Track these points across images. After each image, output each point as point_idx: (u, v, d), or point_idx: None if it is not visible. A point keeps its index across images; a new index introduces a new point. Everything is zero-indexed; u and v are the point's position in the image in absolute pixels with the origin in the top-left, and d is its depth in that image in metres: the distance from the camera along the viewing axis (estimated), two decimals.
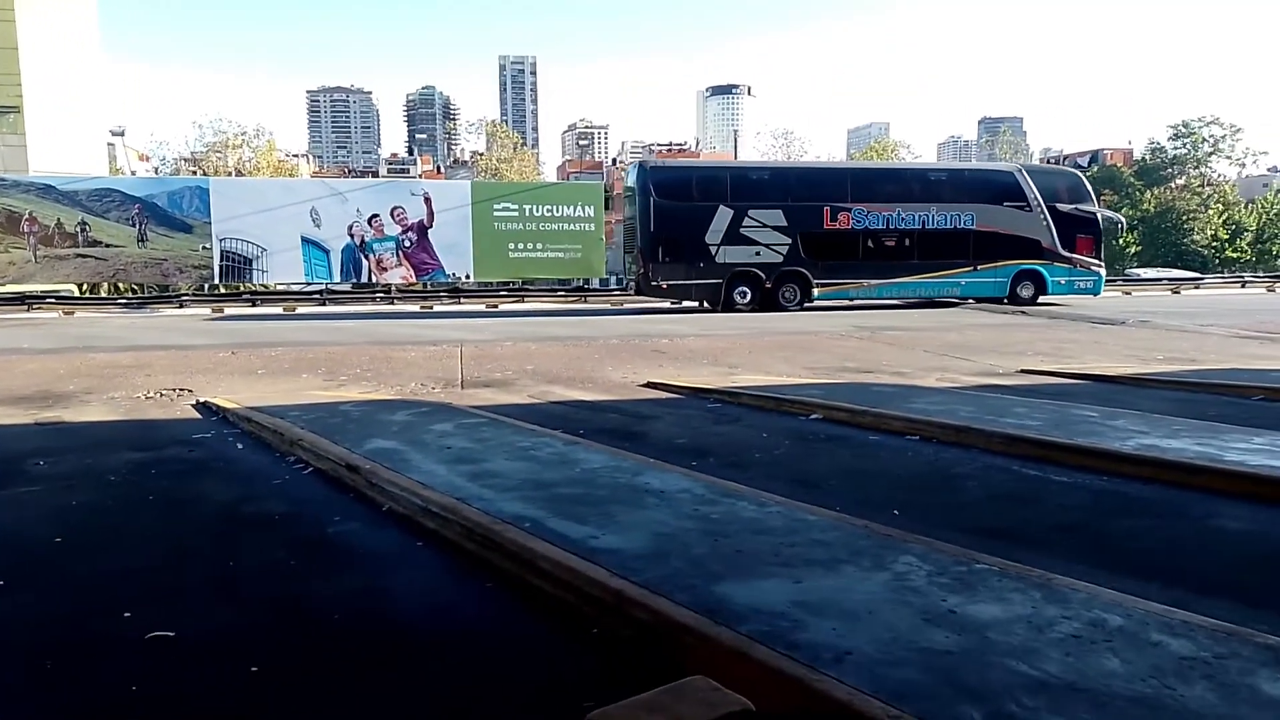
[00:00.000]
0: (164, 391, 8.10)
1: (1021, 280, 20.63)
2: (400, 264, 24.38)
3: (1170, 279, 32.16)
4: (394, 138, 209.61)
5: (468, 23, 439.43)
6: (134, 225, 22.90)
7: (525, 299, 26.02)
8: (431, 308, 24.05)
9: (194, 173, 45.10)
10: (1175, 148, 53.85)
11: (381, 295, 25.25)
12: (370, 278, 24.73)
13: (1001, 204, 20.58)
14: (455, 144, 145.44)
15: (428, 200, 24.38)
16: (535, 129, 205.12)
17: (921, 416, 6.06)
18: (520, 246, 25.04)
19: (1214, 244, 51.03)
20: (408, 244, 24.25)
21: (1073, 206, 20.85)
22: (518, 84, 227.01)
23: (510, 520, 3.63)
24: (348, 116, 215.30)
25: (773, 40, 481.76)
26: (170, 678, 2.57)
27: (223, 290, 26.02)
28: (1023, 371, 9.13)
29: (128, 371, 9.52)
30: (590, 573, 3.02)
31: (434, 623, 2.98)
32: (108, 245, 22.91)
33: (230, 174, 43.37)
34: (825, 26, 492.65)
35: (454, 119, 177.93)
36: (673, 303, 21.04)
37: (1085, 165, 55.44)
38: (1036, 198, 20.56)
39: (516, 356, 10.79)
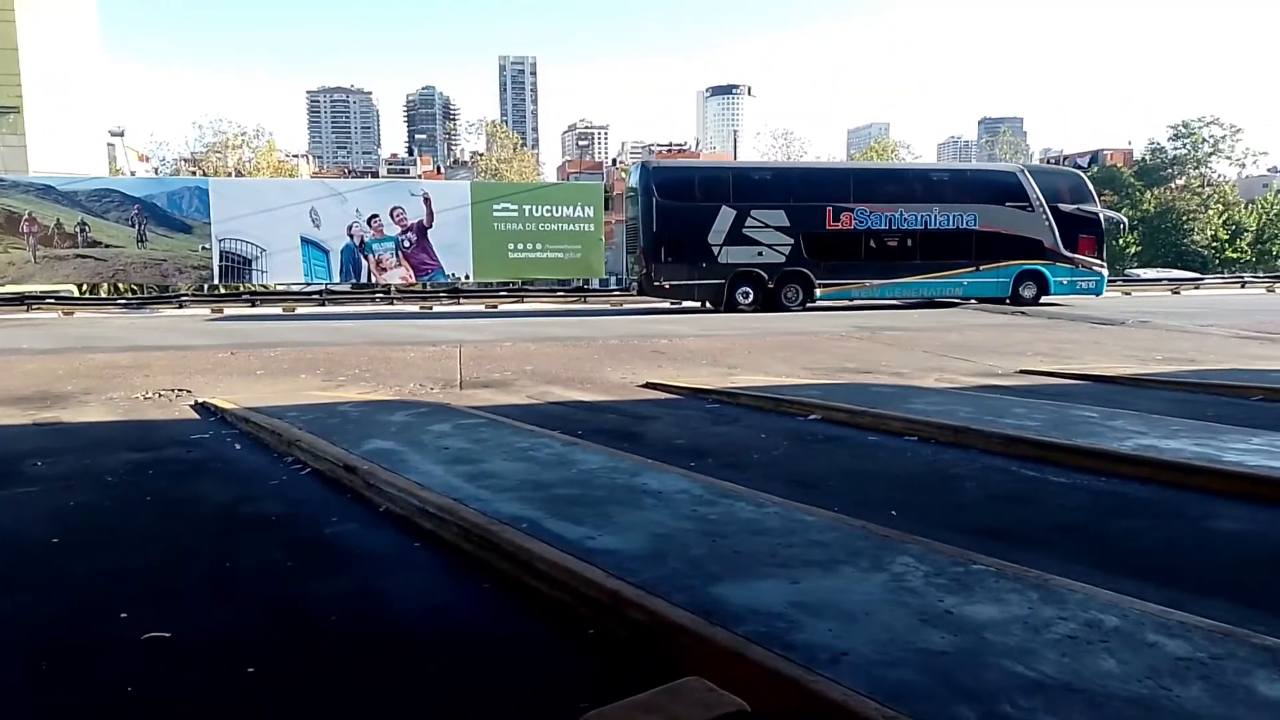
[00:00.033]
0: (162, 392, 8.09)
1: (1024, 280, 20.64)
2: (400, 264, 24.40)
3: (1170, 279, 32.18)
4: (394, 138, 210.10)
5: (468, 23, 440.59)
6: (133, 226, 22.93)
7: (525, 299, 26.03)
8: (431, 308, 24.05)
9: (194, 173, 45.14)
10: (1175, 148, 53.90)
11: (381, 296, 25.26)
12: (370, 278, 24.75)
13: (1004, 204, 20.58)
14: (455, 144, 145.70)
15: (427, 200, 24.40)
16: (535, 129, 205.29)
17: (920, 417, 6.05)
18: (520, 247, 25.07)
19: (1214, 244, 51.06)
20: (407, 244, 24.27)
21: (1075, 207, 20.86)
22: (518, 84, 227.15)
23: (507, 521, 3.63)
24: (348, 117, 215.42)
25: (773, 40, 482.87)
26: (167, 678, 2.56)
27: (222, 291, 26.03)
28: (1022, 372, 9.12)
29: (126, 372, 9.52)
30: (587, 573, 3.02)
31: (431, 623, 2.98)
32: (107, 246, 22.94)
33: (230, 174, 43.41)
34: (825, 26, 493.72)
35: (454, 119, 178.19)
36: (672, 303, 21.05)
37: (1085, 165, 55.37)
38: (1039, 198, 20.57)
39: (515, 357, 10.79)
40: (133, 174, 42.03)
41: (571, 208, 25.46)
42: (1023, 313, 18.34)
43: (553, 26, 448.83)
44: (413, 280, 25.20)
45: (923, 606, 2.70)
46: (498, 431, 5.81)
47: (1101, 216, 21.84)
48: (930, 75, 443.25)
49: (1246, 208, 52.98)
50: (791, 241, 19.84)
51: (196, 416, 6.96)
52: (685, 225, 19.62)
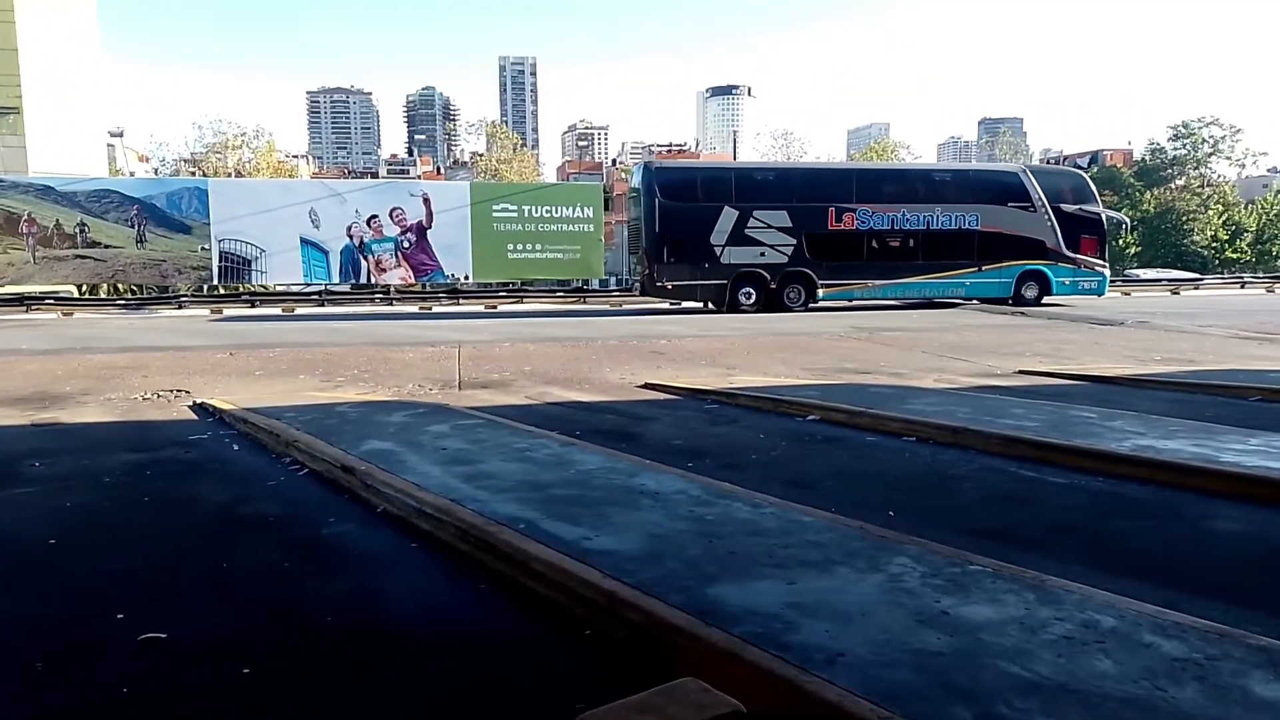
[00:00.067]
0: (161, 393, 8.10)
1: (1026, 281, 20.63)
2: (399, 265, 24.40)
3: (1170, 280, 32.19)
4: (394, 138, 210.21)
5: (468, 23, 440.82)
6: (133, 226, 22.93)
7: (524, 300, 26.02)
8: (430, 309, 24.05)
9: (193, 174, 45.12)
10: (1175, 148, 53.92)
11: (380, 296, 25.26)
12: (369, 279, 24.75)
13: (1006, 204, 20.57)
14: (455, 145, 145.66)
15: (427, 201, 24.40)
16: (535, 130, 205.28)
17: (918, 417, 6.05)
18: (519, 247, 25.06)
19: (1214, 245, 51.06)
20: (407, 245, 24.27)
21: (1077, 207, 20.85)
22: (518, 84, 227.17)
23: (504, 522, 3.63)
24: (347, 117, 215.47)
25: (773, 40, 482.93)
26: (164, 679, 2.57)
27: (222, 291, 26.04)
28: (1020, 372, 9.13)
29: (125, 373, 9.52)
30: (583, 574, 3.02)
31: (428, 624, 2.98)
32: (106, 246, 22.93)
33: (230, 175, 43.41)
34: (825, 27, 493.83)
35: (454, 120, 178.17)
36: (672, 303, 21.05)
37: (1085, 166, 55.29)
38: (1041, 198, 20.57)
39: (514, 357, 10.79)
40: (132, 174, 41.97)
41: (571, 208, 25.46)
42: (1022, 313, 18.34)
43: (552, 27, 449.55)
44: (412, 281, 25.19)
45: (919, 607, 2.70)
46: (496, 432, 5.81)
47: (1103, 217, 21.83)
48: (930, 75, 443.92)
49: (1246, 208, 52.98)
50: (794, 242, 19.83)
51: (195, 417, 6.96)
52: (688, 226, 19.61)
